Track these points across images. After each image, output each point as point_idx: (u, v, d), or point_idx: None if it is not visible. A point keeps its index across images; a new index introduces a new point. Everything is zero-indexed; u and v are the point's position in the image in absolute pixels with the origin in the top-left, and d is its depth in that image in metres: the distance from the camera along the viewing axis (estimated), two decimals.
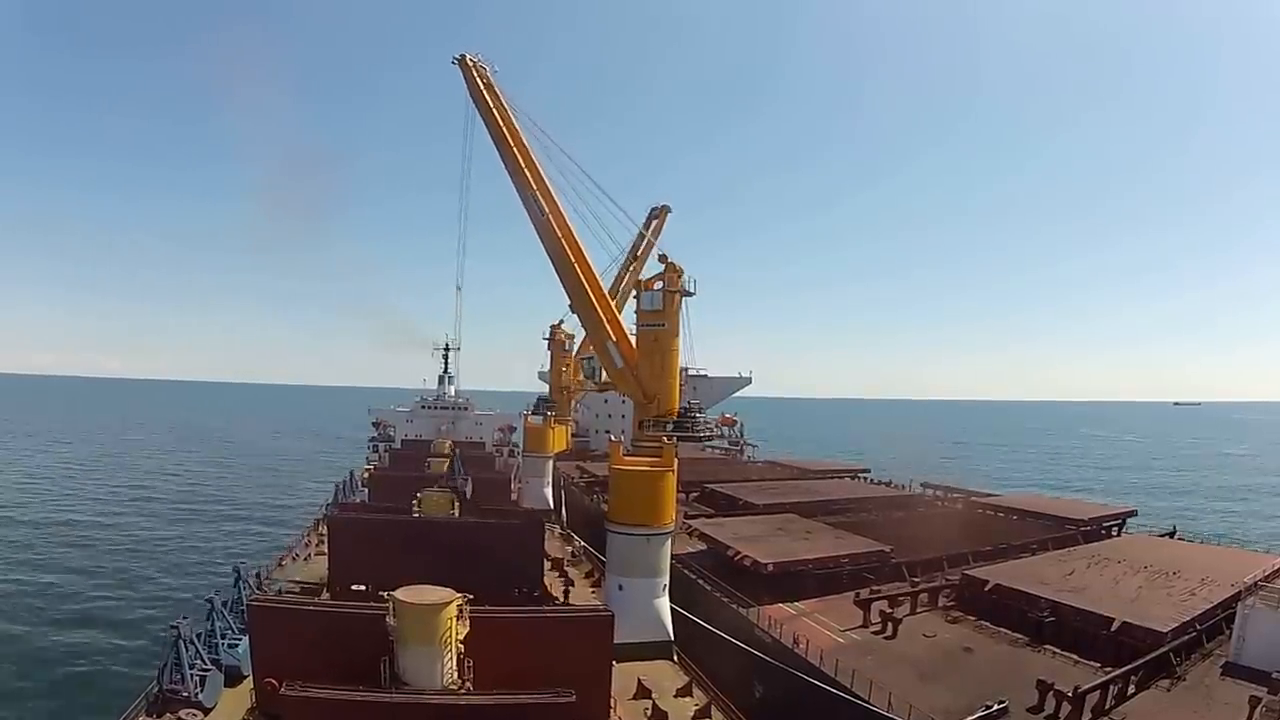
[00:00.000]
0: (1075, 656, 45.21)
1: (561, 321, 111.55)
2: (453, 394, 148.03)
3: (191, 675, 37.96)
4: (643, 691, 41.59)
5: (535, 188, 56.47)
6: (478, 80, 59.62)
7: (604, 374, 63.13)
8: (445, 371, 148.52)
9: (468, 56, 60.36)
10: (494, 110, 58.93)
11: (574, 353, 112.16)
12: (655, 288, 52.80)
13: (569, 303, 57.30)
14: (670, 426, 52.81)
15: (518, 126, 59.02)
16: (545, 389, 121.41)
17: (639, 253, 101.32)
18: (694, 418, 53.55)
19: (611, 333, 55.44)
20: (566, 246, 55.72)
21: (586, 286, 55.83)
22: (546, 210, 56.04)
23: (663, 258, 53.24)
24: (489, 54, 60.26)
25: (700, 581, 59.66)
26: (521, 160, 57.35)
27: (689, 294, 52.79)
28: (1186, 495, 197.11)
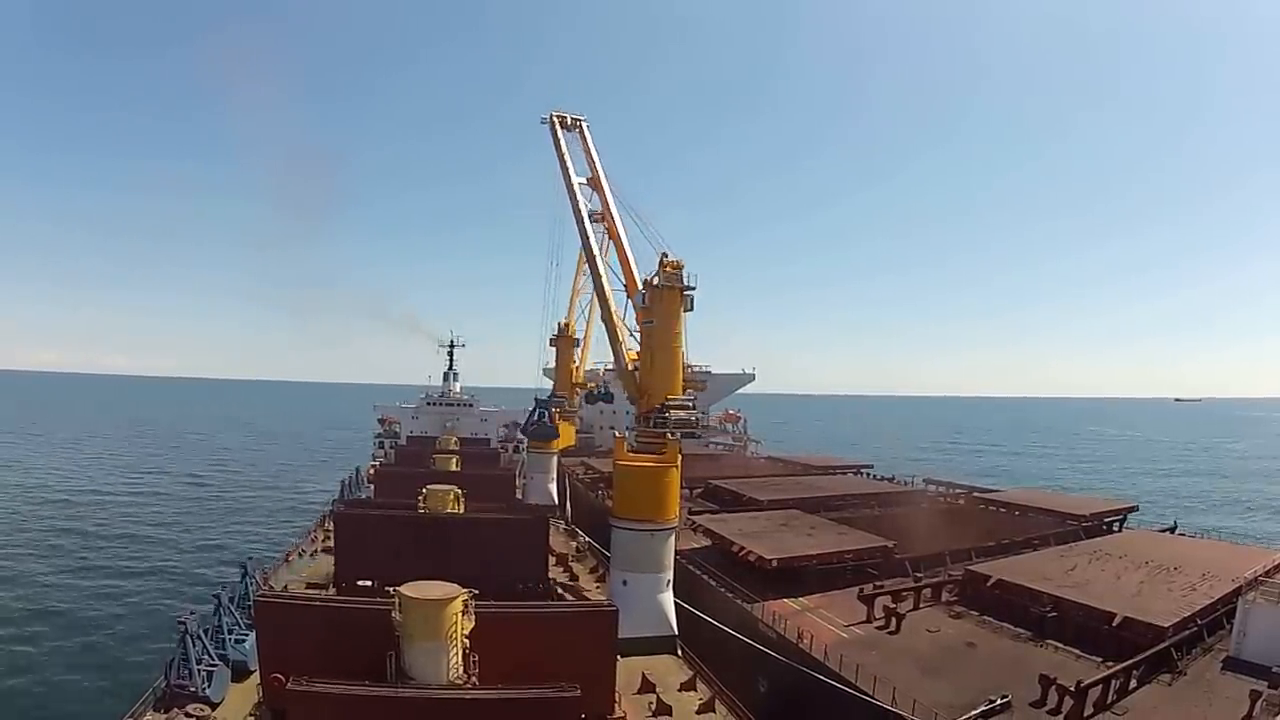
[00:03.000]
0: (1077, 651, 45.37)
1: (569, 322, 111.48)
2: (457, 390, 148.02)
3: (199, 670, 38.27)
4: (647, 686, 41.80)
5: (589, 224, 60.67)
6: (558, 133, 63.60)
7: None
8: (450, 368, 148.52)
9: (554, 115, 63.95)
10: (567, 163, 62.92)
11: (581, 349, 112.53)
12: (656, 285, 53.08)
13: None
14: (651, 423, 53.24)
15: (600, 171, 62.73)
16: (548, 385, 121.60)
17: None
18: (664, 416, 53.59)
19: (621, 334, 56.73)
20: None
21: (610, 302, 58.49)
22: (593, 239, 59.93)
23: (664, 256, 53.44)
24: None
25: (704, 577, 59.84)
26: (601, 204, 61.00)
27: (689, 289, 52.98)
28: (1187, 491, 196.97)
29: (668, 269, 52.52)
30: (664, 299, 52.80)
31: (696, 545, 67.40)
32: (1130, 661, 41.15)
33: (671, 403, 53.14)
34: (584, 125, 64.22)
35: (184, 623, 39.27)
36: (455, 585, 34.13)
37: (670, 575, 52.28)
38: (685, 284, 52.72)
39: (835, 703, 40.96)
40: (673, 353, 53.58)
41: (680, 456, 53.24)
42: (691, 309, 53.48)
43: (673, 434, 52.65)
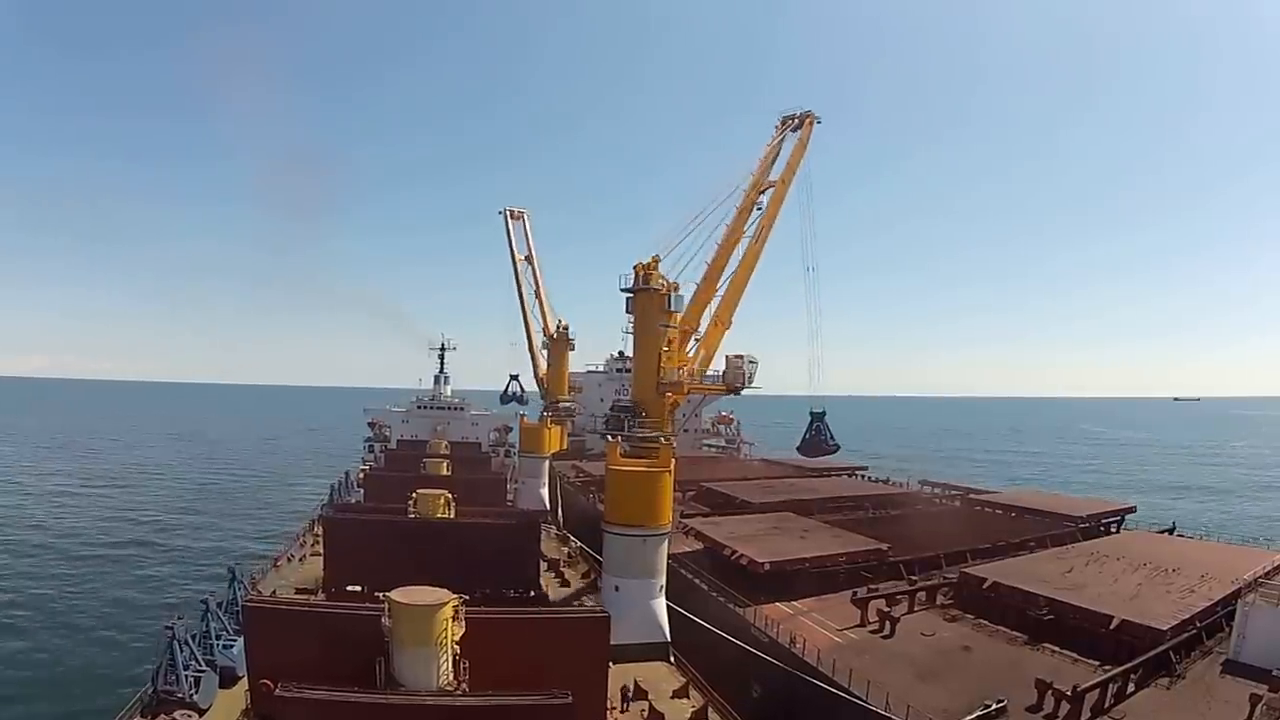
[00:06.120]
0: (1074, 655, 45.04)
1: (566, 325, 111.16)
2: (448, 394, 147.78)
3: (186, 676, 38.07)
4: (639, 693, 41.51)
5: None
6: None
7: None
8: (441, 371, 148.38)
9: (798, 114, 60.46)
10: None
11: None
12: None
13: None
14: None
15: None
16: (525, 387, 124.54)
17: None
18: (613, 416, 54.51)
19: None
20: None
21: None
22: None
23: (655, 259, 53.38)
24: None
25: (697, 581, 59.39)
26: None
27: (649, 288, 52.62)
28: (1186, 491, 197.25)
29: (639, 271, 52.48)
30: (638, 301, 52.94)
31: (689, 549, 66.91)
32: (1128, 665, 40.81)
33: (621, 402, 53.60)
34: (813, 120, 61.01)
35: (171, 628, 39.01)
36: (445, 591, 33.72)
37: (663, 581, 51.91)
38: (647, 284, 52.43)
39: (829, 708, 40.57)
40: (647, 356, 53.33)
41: (673, 461, 52.90)
42: (670, 308, 52.88)
43: (611, 436, 53.34)
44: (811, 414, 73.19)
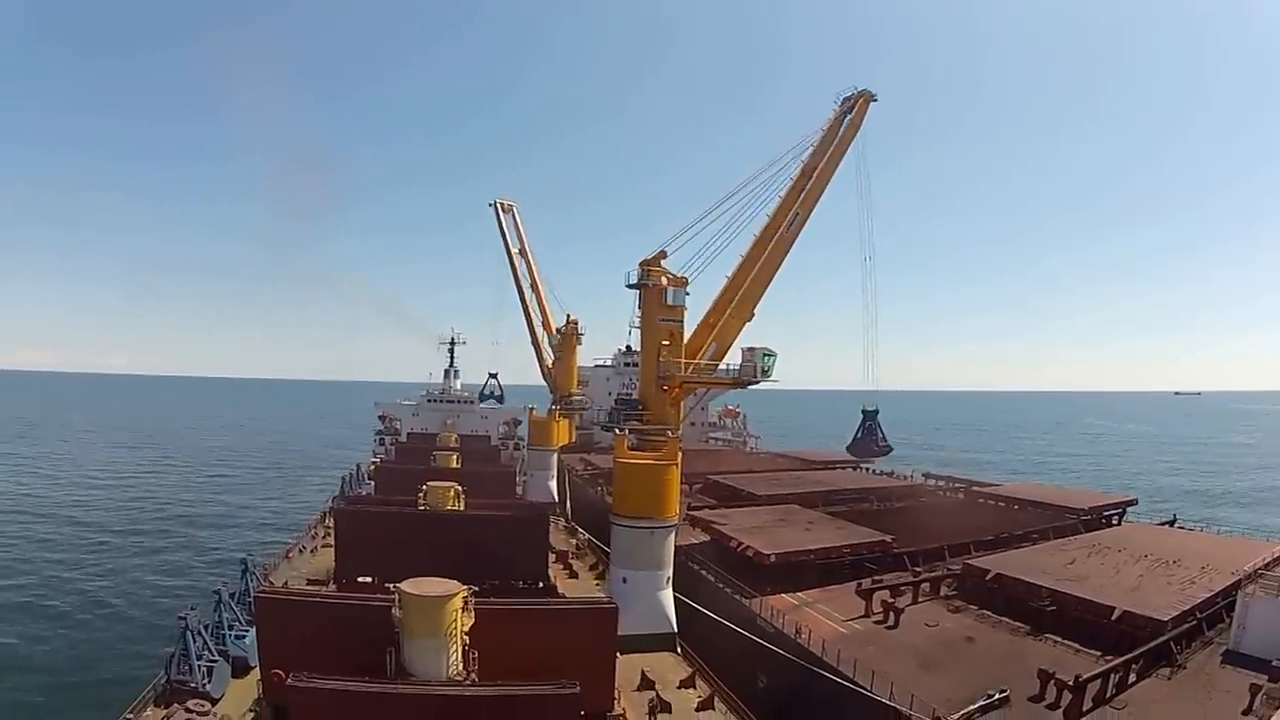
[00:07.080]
0: (1076, 645, 45.43)
1: (576, 320, 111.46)
2: (458, 388, 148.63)
3: (199, 666, 38.43)
4: (646, 683, 41.84)
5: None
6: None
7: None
8: (450, 366, 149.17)
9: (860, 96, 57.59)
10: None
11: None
12: None
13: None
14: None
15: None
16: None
17: None
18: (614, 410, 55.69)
19: None
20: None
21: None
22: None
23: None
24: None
25: (703, 572, 59.91)
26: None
27: (645, 284, 53.02)
28: (1187, 484, 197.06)
29: (642, 268, 52.91)
30: (642, 296, 53.39)
31: (695, 540, 67.41)
32: (1129, 655, 41.19)
33: (622, 396, 54.71)
34: (869, 98, 57.68)
35: (184, 618, 39.43)
36: (455, 582, 34.18)
37: (670, 573, 52.28)
38: (645, 281, 52.79)
39: (834, 698, 41.01)
40: (649, 350, 53.71)
41: (680, 454, 53.25)
42: (668, 301, 53.03)
43: (618, 429, 54.06)
44: (864, 412, 69.32)
